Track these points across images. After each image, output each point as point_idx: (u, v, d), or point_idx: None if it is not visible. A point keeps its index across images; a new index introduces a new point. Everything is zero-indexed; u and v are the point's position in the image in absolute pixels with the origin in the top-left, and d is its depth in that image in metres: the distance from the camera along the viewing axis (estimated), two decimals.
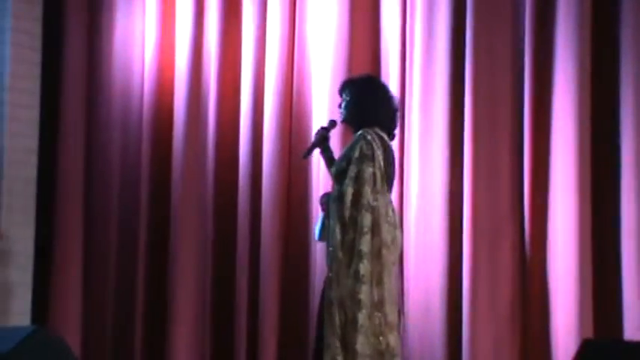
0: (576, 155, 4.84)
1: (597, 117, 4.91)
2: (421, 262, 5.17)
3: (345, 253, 4.42)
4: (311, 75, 5.62)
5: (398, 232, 4.54)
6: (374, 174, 4.44)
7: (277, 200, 5.55)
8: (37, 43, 6.08)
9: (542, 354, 4.85)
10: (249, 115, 5.70)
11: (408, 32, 5.35)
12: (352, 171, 4.46)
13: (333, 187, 4.61)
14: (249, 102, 5.71)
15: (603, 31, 4.95)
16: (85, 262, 6.03)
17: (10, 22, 5.97)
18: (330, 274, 4.46)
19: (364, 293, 4.37)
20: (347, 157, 4.52)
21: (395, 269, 4.54)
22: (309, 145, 4.83)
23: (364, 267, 4.37)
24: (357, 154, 4.47)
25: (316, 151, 4.80)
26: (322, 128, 4.76)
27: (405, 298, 5.16)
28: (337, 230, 4.45)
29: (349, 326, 4.37)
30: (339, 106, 4.68)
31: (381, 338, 4.39)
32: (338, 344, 4.38)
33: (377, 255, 4.40)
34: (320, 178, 5.41)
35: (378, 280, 4.40)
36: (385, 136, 4.57)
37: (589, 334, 4.72)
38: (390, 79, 5.35)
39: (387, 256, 4.41)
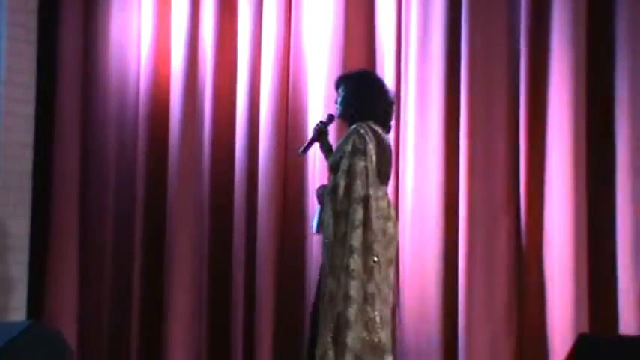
0: (572, 146, 4.85)
1: (593, 109, 4.92)
2: (417, 255, 5.18)
3: (338, 247, 4.43)
4: (306, 71, 5.62)
5: (391, 225, 4.54)
6: (366, 168, 4.46)
7: (273, 195, 5.55)
8: (33, 36, 6.07)
9: (538, 347, 4.85)
10: (245, 112, 5.69)
11: (404, 27, 5.35)
12: (344, 164, 4.49)
13: (329, 180, 4.62)
14: (244, 99, 5.70)
15: (599, 25, 4.95)
16: (81, 256, 6.02)
17: (6, 15, 5.96)
18: (325, 267, 4.47)
19: (354, 288, 4.38)
20: (341, 150, 4.55)
21: (391, 264, 4.56)
22: (308, 140, 4.84)
23: (354, 261, 4.39)
24: (349, 147, 4.50)
25: (314, 146, 4.82)
26: (320, 122, 4.78)
27: (401, 291, 5.16)
28: (330, 223, 4.47)
29: (340, 320, 4.37)
30: (336, 101, 4.70)
31: (372, 333, 4.40)
32: (329, 338, 4.39)
33: (369, 249, 4.41)
34: (316, 173, 5.41)
35: (369, 275, 4.40)
36: (380, 130, 4.58)
37: (584, 327, 4.73)
38: (386, 74, 5.34)
39: (379, 250, 4.42)
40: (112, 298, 5.92)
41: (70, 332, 5.80)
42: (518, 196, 5.00)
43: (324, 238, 4.52)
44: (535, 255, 4.93)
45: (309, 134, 5.14)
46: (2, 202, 5.87)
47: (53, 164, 6.04)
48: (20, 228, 5.94)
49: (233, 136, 5.73)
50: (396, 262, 4.69)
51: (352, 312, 4.37)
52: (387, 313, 4.49)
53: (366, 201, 4.43)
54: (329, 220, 4.49)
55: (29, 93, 6.05)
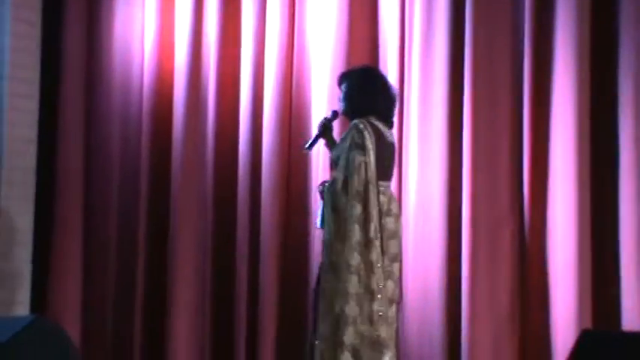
0: (576, 145, 4.84)
1: (597, 107, 4.91)
2: (420, 254, 5.17)
3: (337, 242, 4.44)
4: (310, 66, 5.62)
5: (391, 220, 4.53)
6: (365, 163, 4.46)
7: (277, 190, 5.55)
8: (37, 32, 6.07)
9: (542, 344, 4.85)
10: (249, 107, 5.69)
11: (407, 24, 5.34)
12: (343, 160, 4.51)
13: (330, 175, 4.63)
14: (248, 94, 5.70)
15: (603, 23, 4.94)
16: (84, 252, 6.02)
17: (10, 11, 5.96)
18: (324, 263, 4.48)
19: (353, 284, 4.38)
20: (341, 146, 4.57)
21: (395, 260, 4.56)
22: (313, 136, 4.84)
23: (353, 258, 4.39)
24: (347, 143, 4.51)
25: (319, 143, 4.83)
26: (325, 119, 4.78)
27: (404, 289, 5.16)
28: (329, 219, 4.47)
29: (339, 317, 4.38)
30: (339, 98, 4.71)
31: (372, 329, 4.40)
32: (329, 335, 4.40)
33: (367, 245, 4.41)
34: (319, 168, 5.41)
35: (368, 271, 4.40)
36: (380, 125, 4.58)
37: (588, 324, 4.73)
38: (389, 70, 5.35)
39: (378, 246, 4.42)
40: (116, 294, 5.92)
41: (73, 327, 5.81)
42: (521, 194, 5.00)
43: (324, 233, 4.52)
44: (538, 253, 4.93)
45: (313, 129, 5.15)
46: (6, 197, 5.87)
47: (57, 160, 6.04)
48: (24, 223, 5.94)
49: (237, 130, 5.73)
50: (400, 258, 4.69)
51: (351, 308, 4.38)
52: (389, 309, 4.49)
53: (364, 196, 4.44)
54: (328, 216, 4.49)
55: (33, 88, 6.05)
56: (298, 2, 5.68)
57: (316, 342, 4.48)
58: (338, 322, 4.39)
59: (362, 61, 5.33)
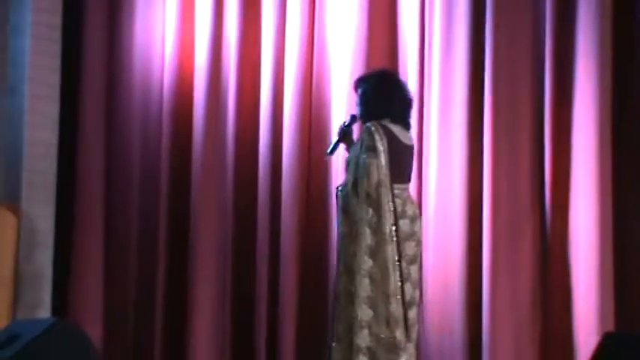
0: (598, 146, 4.82)
1: (619, 108, 4.88)
2: (440, 258, 5.16)
3: (349, 245, 4.45)
4: (330, 68, 5.62)
5: (406, 222, 4.52)
6: (376, 165, 4.47)
7: (297, 192, 5.55)
8: (57, 35, 6.10)
9: (563, 346, 4.82)
10: (269, 110, 5.70)
11: (427, 26, 5.33)
12: (353, 162, 4.54)
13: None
14: (268, 96, 5.71)
15: (625, 23, 4.91)
16: (105, 253, 6.04)
17: (30, 14, 5.99)
18: (338, 266, 4.49)
19: (365, 287, 4.39)
20: (354, 149, 4.61)
21: (413, 262, 4.55)
22: (333, 142, 4.85)
23: (365, 260, 4.40)
24: (358, 146, 4.53)
25: (340, 147, 4.84)
26: (343, 124, 4.80)
27: (424, 290, 5.15)
28: (342, 221, 4.48)
29: (353, 320, 4.39)
30: (356, 103, 4.75)
31: (387, 332, 4.40)
32: (344, 337, 4.41)
33: (380, 248, 4.41)
34: (339, 171, 5.40)
35: (383, 274, 4.40)
36: (396, 128, 4.59)
37: (610, 326, 4.70)
38: (409, 72, 5.34)
39: (391, 249, 4.41)
40: (136, 295, 5.94)
41: (94, 329, 5.82)
42: (543, 195, 4.98)
43: (337, 236, 4.54)
44: (560, 254, 4.90)
45: (333, 131, 5.15)
46: (27, 200, 5.90)
47: (77, 162, 6.06)
48: (45, 226, 5.97)
49: (257, 133, 5.73)
50: (420, 260, 4.68)
51: (364, 311, 4.39)
52: (409, 311, 4.48)
53: (375, 199, 4.44)
54: (340, 219, 4.50)
55: (54, 91, 6.08)
56: (318, 5, 5.68)
57: (333, 344, 4.49)
58: (352, 326, 4.41)
59: (382, 63, 5.33)
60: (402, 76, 5.36)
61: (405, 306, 4.48)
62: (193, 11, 5.97)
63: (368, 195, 4.45)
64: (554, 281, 4.91)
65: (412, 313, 4.55)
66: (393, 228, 4.46)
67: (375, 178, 4.46)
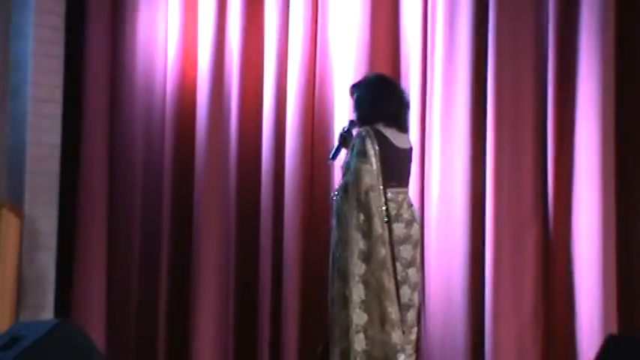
0: (600, 149, 4.81)
1: (622, 110, 4.88)
2: (443, 261, 5.15)
3: (341, 250, 4.47)
4: (333, 72, 5.62)
5: (400, 226, 4.52)
6: (366, 170, 4.48)
7: (299, 196, 5.55)
8: (60, 37, 6.11)
9: (566, 348, 4.81)
10: (272, 113, 5.70)
11: (429, 27, 5.32)
12: (344, 168, 4.56)
13: None
14: (271, 100, 5.71)
15: (628, 24, 4.91)
16: (108, 255, 6.05)
17: (33, 16, 6.00)
18: (332, 270, 4.51)
19: (359, 292, 4.40)
20: (349, 154, 4.63)
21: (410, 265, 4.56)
22: (334, 147, 4.86)
23: (356, 265, 4.41)
24: (350, 151, 4.57)
25: (342, 152, 4.85)
26: (343, 129, 4.82)
27: (427, 292, 5.15)
28: (335, 226, 4.50)
29: (349, 324, 4.39)
30: (352, 109, 4.78)
31: (382, 335, 4.41)
32: (339, 342, 4.43)
33: (372, 253, 4.42)
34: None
35: (376, 278, 4.41)
36: (390, 132, 4.60)
37: (613, 329, 4.69)
38: (411, 74, 5.34)
39: (383, 253, 4.42)
40: (139, 296, 5.94)
41: (97, 330, 5.83)
42: (546, 196, 4.97)
43: (332, 241, 4.56)
44: (563, 256, 4.90)
45: (336, 134, 5.15)
46: (31, 201, 5.91)
47: (81, 164, 6.07)
48: (48, 227, 5.98)
49: (260, 136, 5.73)
50: (419, 263, 4.68)
51: (359, 316, 4.40)
52: (407, 314, 4.49)
53: (365, 203, 4.46)
54: (335, 223, 4.53)
55: (57, 94, 6.08)
56: (321, 8, 5.68)
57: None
58: (348, 330, 4.42)
59: (384, 65, 5.34)
60: (404, 78, 5.38)
61: (401, 309, 4.49)
62: (196, 14, 5.98)
63: (358, 199, 4.47)
64: (556, 283, 4.91)
65: (410, 315, 4.56)
66: (386, 232, 4.47)
67: (365, 182, 4.48)
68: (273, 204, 5.63)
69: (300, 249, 5.54)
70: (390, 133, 4.63)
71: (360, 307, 4.41)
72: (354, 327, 4.40)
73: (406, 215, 4.59)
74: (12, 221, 5.58)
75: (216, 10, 5.90)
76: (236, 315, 5.71)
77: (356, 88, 4.80)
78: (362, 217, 4.45)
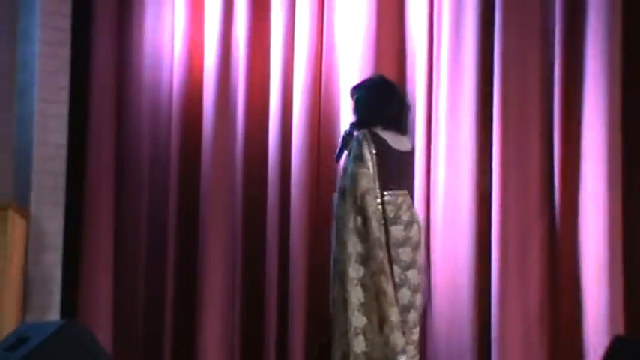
0: (607, 148, 4.80)
1: (628, 114, 4.87)
2: (448, 262, 5.15)
3: (339, 253, 4.49)
4: (339, 69, 5.63)
5: (398, 228, 4.53)
6: (362, 174, 4.49)
7: (306, 194, 5.56)
8: (67, 37, 6.11)
9: (573, 350, 4.81)
10: (278, 111, 5.70)
11: (436, 29, 5.33)
12: (342, 171, 4.60)
13: None
14: (277, 98, 5.71)
15: (635, 28, 4.90)
16: (115, 255, 6.05)
17: (39, 18, 6.01)
18: (332, 273, 4.52)
19: (357, 295, 4.41)
20: (348, 158, 4.64)
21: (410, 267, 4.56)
22: (338, 148, 4.87)
23: (354, 268, 4.43)
24: (349, 155, 4.59)
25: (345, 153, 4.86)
26: (345, 132, 4.83)
27: (432, 296, 5.14)
28: (334, 229, 4.52)
29: (348, 327, 4.41)
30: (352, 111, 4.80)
31: (382, 337, 4.42)
32: (340, 344, 4.44)
33: (370, 256, 4.43)
34: None
35: (374, 281, 4.42)
36: (388, 134, 4.60)
37: (619, 330, 4.69)
38: (417, 74, 5.34)
39: (381, 256, 4.42)
40: (146, 297, 5.94)
41: (103, 331, 5.83)
42: (552, 197, 4.97)
43: (332, 243, 4.57)
44: (569, 257, 4.89)
45: (342, 132, 5.15)
46: (37, 201, 5.92)
47: (87, 164, 6.08)
48: (54, 227, 5.98)
49: (266, 134, 5.74)
50: (419, 264, 4.68)
51: (358, 318, 4.41)
52: (407, 315, 4.49)
53: (361, 207, 4.47)
54: (334, 226, 4.53)
55: (63, 94, 6.09)
56: (327, 5, 5.68)
57: (332, 348, 4.51)
58: (347, 332, 4.44)
59: (390, 65, 5.35)
60: (409, 79, 5.39)
61: (401, 310, 4.50)
62: (203, 12, 5.98)
63: (355, 203, 4.49)
64: (563, 284, 4.90)
65: (411, 317, 4.57)
66: (383, 235, 4.48)
67: (361, 186, 4.50)
68: (280, 202, 5.64)
69: (306, 246, 5.54)
70: (389, 136, 4.63)
71: (359, 310, 4.43)
72: (353, 329, 4.43)
73: (405, 217, 4.60)
74: (18, 222, 5.58)
75: (223, 9, 5.90)
76: (242, 313, 5.71)
77: (356, 91, 4.81)
78: (359, 220, 4.48)
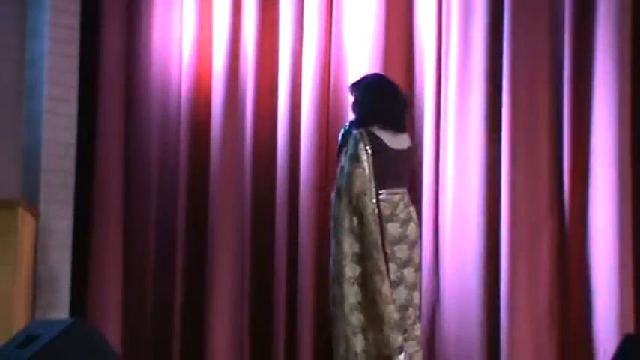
0: (616, 146, 4.80)
1: (638, 112, 4.86)
2: (458, 262, 5.14)
3: (336, 252, 4.50)
4: (347, 70, 5.62)
5: (394, 226, 4.52)
6: (358, 174, 4.49)
7: (314, 194, 5.56)
8: (75, 36, 6.12)
9: (583, 348, 4.80)
10: (287, 111, 5.70)
11: (444, 25, 5.33)
12: (339, 170, 4.60)
13: None
14: (286, 98, 5.71)
15: None
16: (124, 254, 6.05)
17: (49, 16, 6.02)
18: (330, 272, 4.53)
19: (354, 294, 4.43)
20: (344, 157, 4.64)
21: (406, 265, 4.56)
22: (338, 146, 4.86)
23: (350, 268, 4.45)
24: (345, 154, 4.61)
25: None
26: (343, 129, 4.82)
27: (442, 295, 5.14)
28: (331, 228, 4.52)
29: (346, 325, 4.42)
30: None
31: (381, 336, 4.42)
32: (341, 343, 4.45)
33: (366, 255, 4.43)
34: None
35: (371, 279, 4.43)
36: (385, 134, 4.60)
37: (630, 328, 4.68)
38: (426, 75, 5.34)
39: (376, 255, 4.42)
40: (155, 296, 5.95)
41: (112, 329, 5.84)
42: (561, 197, 4.96)
43: (331, 242, 4.58)
44: (579, 255, 4.89)
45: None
46: (46, 200, 5.92)
47: (96, 163, 6.08)
48: (63, 226, 5.99)
49: (275, 135, 5.74)
50: (416, 262, 4.67)
51: (356, 317, 4.42)
52: (405, 313, 4.49)
53: (357, 206, 4.47)
54: (332, 225, 4.54)
55: (72, 92, 6.10)
56: (335, 6, 5.68)
57: (333, 347, 4.54)
58: (346, 331, 4.44)
59: (398, 66, 5.36)
60: (418, 78, 5.40)
61: (399, 309, 4.50)
62: (211, 13, 5.98)
63: (350, 203, 4.50)
64: (572, 283, 4.90)
65: (410, 314, 4.57)
66: (379, 235, 4.48)
67: (356, 186, 4.51)
68: (288, 202, 5.64)
69: (315, 246, 5.54)
70: (386, 136, 4.64)
71: (356, 309, 4.45)
72: (351, 328, 4.44)
73: (402, 215, 4.60)
74: (28, 220, 5.58)
75: (231, 9, 5.90)
76: (251, 314, 5.71)
77: (355, 89, 4.80)
78: (355, 220, 4.49)
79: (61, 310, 5.90)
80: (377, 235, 4.48)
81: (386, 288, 4.45)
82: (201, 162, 5.91)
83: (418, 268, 4.70)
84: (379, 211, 4.53)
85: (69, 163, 6.06)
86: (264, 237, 5.71)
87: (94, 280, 5.98)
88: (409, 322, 4.57)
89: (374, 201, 4.54)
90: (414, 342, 4.59)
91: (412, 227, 4.64)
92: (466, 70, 5.22)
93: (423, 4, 5.43)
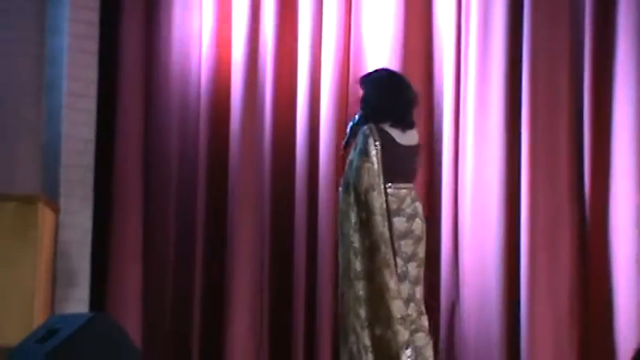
0: (636, 137, 4.78)
1: None
2: (477, 255, 5.14)
3: (344, 247, 4.49)
4: (367, 62, 5.62)
5: (401, 220, 4.52)
6: (367, 169, 4.48)
7: (334, 189, 5.54)
8: (95, 31, 6.13)
9: (604, 347, 4.78)
10: (306, 105, 5.70)
11: (464, 22, 5.32)
12: (347, 165, 4.58)
13: None
14: (305, 92, 5.71)
15: None
16: (143, 249, 6.06)
17: (68, 11, 6.03)
18: (339, 268, 4.52)
19: (362, 288, 4.42)
20: (353, 151, 4.63)
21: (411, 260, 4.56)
22: (346, 137, 4.85)
23: (359, 262, 4.43)
24: (354, 149, 4.58)
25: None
26: (352, 122, 4.81)
27: (460, 292, 5.13)
28: (339, 222, 4.53)
29: (354, 320, 4.42)
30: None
31: (387, 332, 4.42)
32: (350, 338, 4.45)
33: (373, 250, 4.43)
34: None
35: (378, 275, 4.42)
36: (394, 129, 4.59)
37: None
38: (445, 69, 5.33)
39: (384, 250, 4.42)
40: (175, 290, 5.95)
41: (132, 323, 5.85)
42: (582, 194, 4.94)
43: (338, 237, 4.57)
44: (600, 253, 4.87)
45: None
46: (65, 195, 5.94)
47: (115, 158, 6.09)
48: (83, 221, 6.00)
49: (293, 129, 5.74)
50: (420, 257, 4.67)
51: (363, 312, 4.41)
52: (403, 310, 4.49)
53: (365, 201, 4.46)
54: (339, 220, 4.55)
55: (91, 88, 6.11)
56: (354, 2, 5.67)
57: (340, 342, 4.55)
58: (354, 326, 4.45)
59: (417, 61, 5.36)
60: (437, 74, 5.40)
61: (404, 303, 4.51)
62: (230, 7, 5.98)
63: (359, 198, 4.49)
64: (593, 279, 4.88)
65: (411, 309, 4.55)
66: (387, 230, 4.47)
67: (365, 181, 4.49)
68: (308, 195, 5.64)
69: (334, 240, 5.50)
70: (395, 132, 4.62)
71: (364, 304, 4.43)
72: (359, 323, 4.43)
73: (409, 210, 4.59)
74: (48, 215, 5.60)
75: (250, 3, 5.90)
76: (270, 307, 5.72)
77: (364, 84, 4.78)
78: (363, 215, 4.48)
79: (80, 305, 5.92)
80: (385, 230, 4.47)
81: (394, 282, 4.44)
82: (220, 156, 5.91)
83: (422, 264, 4.69)
84: (387, 204, 4.52)
85: (88, 159, 6.07)
86: (283, 230, 5.72)
87: (113, 274, 6.00)
88: (414, 316, 4.56)
89: (382, 196, 4.52)
90: (423, 334, 4.57)
91: (418, 223, 4.63)
92: (485, 66, 5.21)
93: (442, 3, 5.42)
